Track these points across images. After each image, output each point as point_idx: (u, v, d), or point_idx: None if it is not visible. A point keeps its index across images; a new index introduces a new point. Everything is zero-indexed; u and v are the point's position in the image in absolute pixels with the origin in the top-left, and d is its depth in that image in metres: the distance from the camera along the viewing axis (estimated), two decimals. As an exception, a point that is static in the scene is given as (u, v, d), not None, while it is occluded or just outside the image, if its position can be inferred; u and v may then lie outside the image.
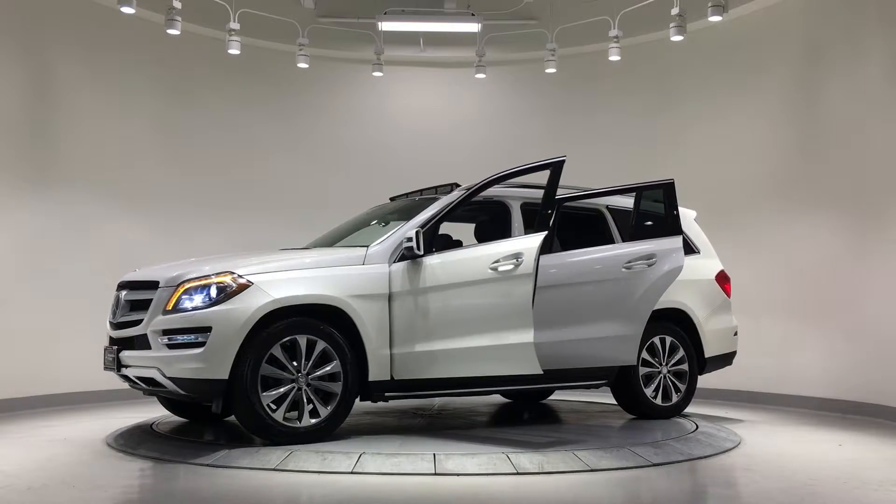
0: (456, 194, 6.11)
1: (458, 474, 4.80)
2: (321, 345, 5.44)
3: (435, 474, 4.79)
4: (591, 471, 4.93)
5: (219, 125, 9.89)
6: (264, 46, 10.03)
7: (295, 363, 5.38)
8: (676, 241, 6.35)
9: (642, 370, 6.77)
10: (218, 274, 5.36)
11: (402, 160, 10.24)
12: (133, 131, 9.19)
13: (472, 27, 9.91)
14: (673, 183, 6.42)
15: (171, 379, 5.28)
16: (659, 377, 6.90)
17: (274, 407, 5.31)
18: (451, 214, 5.96)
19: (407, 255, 5.70)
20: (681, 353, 7.03)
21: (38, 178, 8.24)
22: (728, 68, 9.30)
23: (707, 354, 7.20)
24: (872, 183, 7.72)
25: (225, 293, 5.28)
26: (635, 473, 4.97)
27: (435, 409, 7.48)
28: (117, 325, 5.77)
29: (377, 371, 5.62)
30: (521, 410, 7.66)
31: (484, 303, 5.61)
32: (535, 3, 10.03)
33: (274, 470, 4.85)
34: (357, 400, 5.72)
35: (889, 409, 7.40)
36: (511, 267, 5.53)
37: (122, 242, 8.85)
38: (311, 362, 5.42)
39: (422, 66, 10.70)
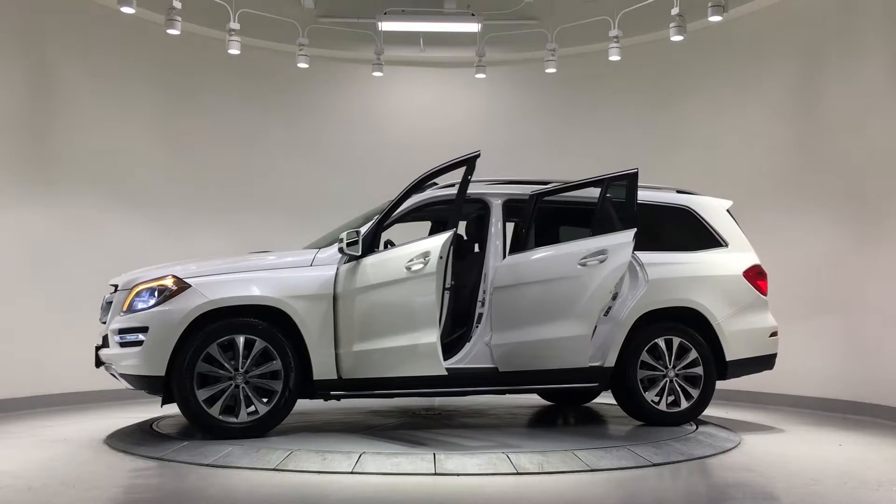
0: (389, 201, 6.04)
1: (458, 474, 4.80)
2: (261, 344, 5.61)
3: (435, 474, 4.79)
4: (591, 471, 4.93)
5: (219, 125, 9.89)
6: (264, 46, 10.03)
7: (234, 362, 5.58)
8: (627, 236, 5.92)
9: (641, 373, 6.37)
10: (162, 277, 5.70)
11: (402, 160, 10.21)
12: (133, 131, 9.20)
13: (472, 27, 9.91)
14: (636, 173, 6.14)
15: (121, 375, 5.75)
16: (664, 381, 6.43)
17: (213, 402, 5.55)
18: (390, 218, 5.94)
19: (351, 256, 5.78)
20: (693, 355, 6.48)
21: (38, 178, 8.24)
22: (728, 68, 9.30)
23: (729, 357, 6.58)
24: (872, 182, 7.73)
25: (164, 295, 5.62)
26: (635, 473, 4.97)
27: (435, 410, 7.48)
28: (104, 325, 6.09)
29: (321, 370, 5.71)
30: (523, 412, 7.65)
31: (399, 302, 5.58)
32: (535, 3, 10.03)
33: (274, 470, 4.86)
34: (309, 399, 5.90)
35: (889, 409, 7.40)
36: (421, 266, 5.48)
37: (122, 242, 8.85)
38: (249, 361, 5.59)
39: (422, 66, 10.69)
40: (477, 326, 6.20)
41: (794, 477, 4.91)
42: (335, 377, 5.74)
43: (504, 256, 6.35)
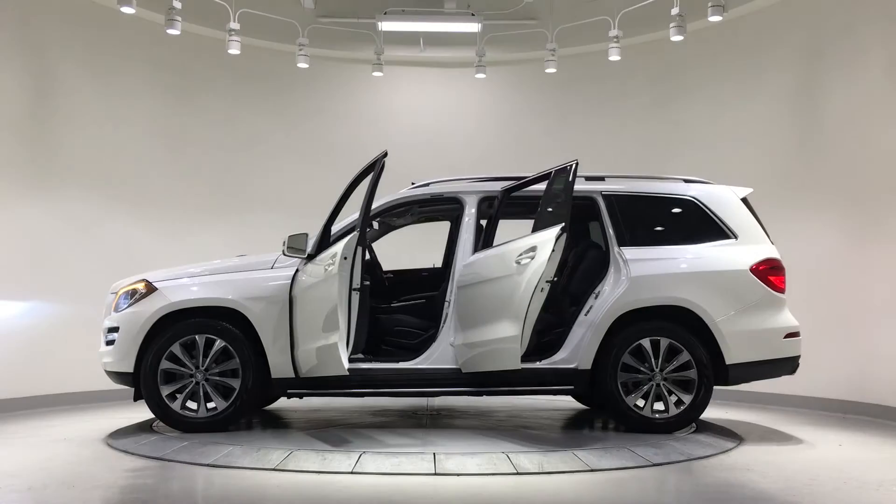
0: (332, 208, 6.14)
1: (458, 474, 4.80)
2: (220, 343, 5.90)
3: (435, 474, 4.79)
4: (591, 471, 4.93)
5: (219, 125, 9.89)
6: (264, 46, 10.03)
7: (196, 360, 5.91)
8: (553, 232, 5.50)
9: (623, 376, 5.99)
10: (138, 281, 6.14)
11: (401, 160, 10.15)
12: (133, 131, 9.20)
13: (472, 27, 9.91)
14: (575, 165, 5.74)
15: (105, 371, 6.19)
16: (649, 385, 6.03)
17: (177, 397, 5.91)
18: (335, 221, 6.03)
19: (298, 258, 5.96)
20: (685, 357, 6.02)
21: (38, 178, 8.24)
22: (728, 68, 9.30)
23: (730, 360, 6.05)
24: (872, 182, 7.73)
25: (135, 298, 6.06)
26: (635, 473, 4.97)
27: (435, 410, 7.48)
28: None
29: (279, 369, 5.91)
30: (523, 412, 7.65)
31: (319, 303, 5.67)
32: (535, 3, 10.03)
33: (274, 470, 4.86)
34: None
35: (889, 409, 7.40)
36: (332, 267, 5.61)
37: (121, 242, 8.86)
38: (209, 359, 5.90)
39: (422, 66, 10.69)
40: (443, 327, 6.15)
41: (794, 477, 4.91)
42: (293, 376, 5.87)
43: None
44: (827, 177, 8.20)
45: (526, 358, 5.83)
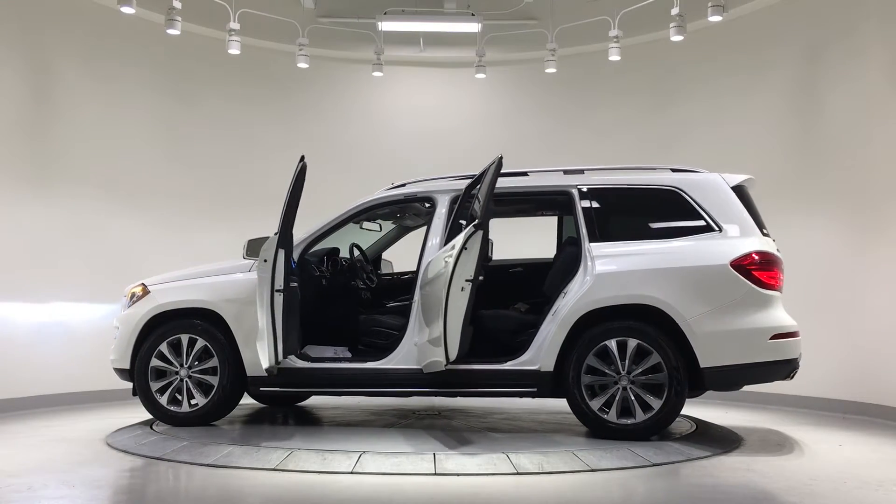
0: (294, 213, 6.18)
1: (458, 474, 4.80)
2: (201, 343, 6.24)
3: (435, 474, 4.80)
4: (591, 471, 4.93)
5: (219, 125, 9.90)
6: (264, 46, 10.04)
7: (180, 358, 6.26)
8: (467, 232, 5.37)
9: (588, 379, 5.68)
10: (137, 285, 6.56)
11: (401, 160, 10.23)
12: (133, 131, 9.20)
13: (472, 27, 9.91)
14: (499, 161, 5.52)
15: (113, 368, 6.54)
16: (614, 389, 5.69)
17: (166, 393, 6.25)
18: (290, 225, 6.05)
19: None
20: (654, 360, 5.61)
21: (38, 178, 8.24)
22: (728, 68, 9.30)
23: (705, 364, 5.58)
24: (872, 182, 7.73)
25: (133, 300, 6.52)
26: (635, 473, 4.98)
27: (435, 410, 7.48)
28: None
29: (253, 368, 6.06)
30: (523, 413, 7.65)
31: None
32: (535, 3, 10.03)
33: (274, 470, 4.86)
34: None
35: (889, 409, 7.40)
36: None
37: (122, 242, 8.85)
38: (191, 357, 6.24)
39: (422, 66, 10.69)
40: (409, 327, 6.09)
41: (794, 477, 4.92)
42: (265, 374, 5.94)
43: None
44: (828, 176, 8.20)
45: (493, 359, 5.93)
